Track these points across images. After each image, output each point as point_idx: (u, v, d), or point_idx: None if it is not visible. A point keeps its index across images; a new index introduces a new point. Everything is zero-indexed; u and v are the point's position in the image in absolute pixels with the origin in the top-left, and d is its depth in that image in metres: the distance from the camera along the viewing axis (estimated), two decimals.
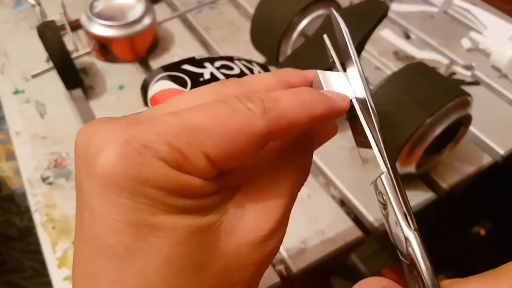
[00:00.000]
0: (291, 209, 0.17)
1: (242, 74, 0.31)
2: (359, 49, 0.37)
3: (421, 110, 0.31)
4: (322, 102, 0.16)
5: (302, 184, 0.18)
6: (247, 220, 0.15)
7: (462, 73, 0.47)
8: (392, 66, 0.48)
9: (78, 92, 0.44)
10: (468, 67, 0.47)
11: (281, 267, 0.31)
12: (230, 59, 0.32)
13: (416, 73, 0.34)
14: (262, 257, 0.16)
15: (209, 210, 0.15)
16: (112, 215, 0.13)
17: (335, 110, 0.17)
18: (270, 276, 0.31)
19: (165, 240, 0.14)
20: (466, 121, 0.35)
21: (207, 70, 0.30)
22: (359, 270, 0.60)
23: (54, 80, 0.45)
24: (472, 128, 0.41)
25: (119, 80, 0.45)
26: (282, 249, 0.32)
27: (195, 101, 0.15)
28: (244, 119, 0.14)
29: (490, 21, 0.54)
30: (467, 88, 0.35)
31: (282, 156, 0.17)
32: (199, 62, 0.31)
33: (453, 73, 0.47)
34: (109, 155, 0.13)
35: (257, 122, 0.15)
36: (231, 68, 0.31)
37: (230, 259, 0.15)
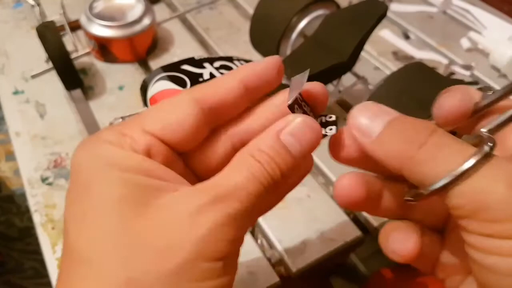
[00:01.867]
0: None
1: None
2: (358, 49, 0.37)
3: (420, 110, 0.31)
4: (247, 69, 0.18)
5: (271, 181, 0.17)
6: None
7: (461, 73, 0.47)
8: (391, 66, 0.48)
9: (77, 92, 0.44)
10: (467, 67, 0.47)
11: (280, 267, 0.32)
12: (230, 59, 0.32)
13: (415, 73, 0.34)
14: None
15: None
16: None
17: (261, 69, 0.18)
18: (269, 276, 0.31)
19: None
20: None
21: (207, 71, 0.30)
22: (359, 270, 0.60)
23: (53, 81, 0.45)
24: None
25: (119, 81, 0.46)
26: (281, 249, 0.32)
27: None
28: (174, 107, 0.17)
29: (489, 21, 0.54)
30: None
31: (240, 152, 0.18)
32: (198, 63, 0.31)
33: (452, 73, 0.47)
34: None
35: (186, 108, 0.17)
36: (230, 68, 0.31)
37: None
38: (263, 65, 0.18)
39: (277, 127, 0.17)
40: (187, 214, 0.15)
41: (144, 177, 0.16)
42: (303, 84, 0.17)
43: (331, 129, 0.18)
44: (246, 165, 0.16)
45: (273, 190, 0.16)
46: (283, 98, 0.19)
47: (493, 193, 0.14)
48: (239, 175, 0.16)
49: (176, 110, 0.17)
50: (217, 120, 0.18)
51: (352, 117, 0.17)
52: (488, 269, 0.15)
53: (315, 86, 0.19)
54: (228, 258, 0.15)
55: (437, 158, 0.15)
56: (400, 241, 0.18)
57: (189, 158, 0.19)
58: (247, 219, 0.16)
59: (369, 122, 0.17)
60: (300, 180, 0.21)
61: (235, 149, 0.18)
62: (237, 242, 0.16)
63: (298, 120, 0.17)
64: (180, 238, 0.15)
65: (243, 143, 0.18)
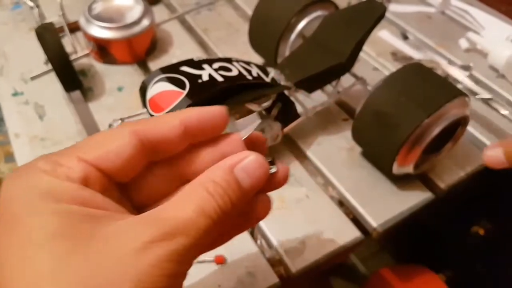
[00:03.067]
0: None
1: (240, 75, 0.31)
2: (357, 50, 0.37)
3: (419, 111, 0.31)
4: (190, 111, 0.19)
5: (222, 215, 0.17)
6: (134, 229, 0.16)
7: (459, 74, 0.47)
8: (390, 67, 0.48)
9: (77, 94, 0.44)
10: (466, 68, 0.48)
11: (280, 267, 0.32)
12: (229, 60, 0.32)
13: (414, 74, 0.34)
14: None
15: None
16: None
17: (205, 115, 0.19)
18: (269, 276, 0.31)
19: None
20: (464, 121, 0.35)
21: (206, 72, 0.30)
22: (358, 270, 0.60)
23: (53, 82, 0.45)
24: (470, 128, 0.41)
25: (118, 82, 0.46)
26: (281, 250, 0.32)
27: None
28: (111, 138, 0.18)
29: (487, 22, 0.54)
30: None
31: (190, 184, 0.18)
32: (197, 64, 0.31)
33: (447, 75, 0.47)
34: None
35: (123, 139, 0.18)
36: (229, 70, 0.31)
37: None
38: (207, 113, 0.19)
39: (230, 161, 0.18)
40: (130, 249, 0.14)
41: (80, 207, 0.15)
42: (251, 126, 0.19)
43: (271, 168, 0.20)
44: (198, 198, 0.16)
45: (221, 225, 0.17)
46: (227, 142, 0.20)
47: None
48: (189, 208, 0.16)
49: (114, 140, 0.17)
50: (156, 154, 0.19)
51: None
52: None
53: (258, 134, 0.21)
54: None
55: None
56: None
57: (128, 189, 0.19)
58: (192, 254, 0.16)
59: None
60: (253, 223, 0.21)
61: (175, 184, 0.19)
62: (179, 277, 0.16)
63: (252, 157, 0.18)
64: (121, 276, 0.14)
65: (184, 179, 0.19)
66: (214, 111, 0.19)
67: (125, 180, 0.18)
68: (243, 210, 0.19)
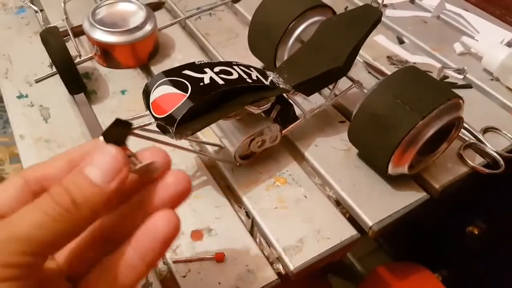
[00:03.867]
0: None
1: (240, 78, 0.32)
2: (354, 54, 0.38)
3: (413, 113, 0.32)
4: (73, 150, 0.20)
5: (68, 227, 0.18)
6: None
7: (455, 77, 0.48)
8: (386, 71, 0.49)
9: (81, 96, 0.45)
10: (460, 71, 0.49)
11: (278, 265, 0.32)
12: (229, 64, 0.33)
13: (408, 77, 0.35)
14: None
15: None
16: None
17: (82, 150, 0.21)
18: (268, 274, 0.31)
19: None
20: (458, 123, 0.36)
21: (207, 75, 0.31)
22: (355, 269, 0.61)
23: (57, 85, 0.46)
24: (464, 129, 0.42)
25: (121, 85, 0.47)
26: (279, 248, 0.33)
27: None
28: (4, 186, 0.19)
29: (482, 26, 0.55)
30: (459, 91, 0.36)
31: None
32: (199, 67, 0.32)
33: (446, 77, 0.48)
34: None
35: (11, 181, 0.19)
36: (230, 73, 0.32)
37: None
38: (88, 147, 0.20)
39: (82, 163, 0.18)
40: None
41: None
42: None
43: (136, 164, 0.20)
44: (40, 206, 0.17)
45: (66, 219, 0.17)
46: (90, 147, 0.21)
47: None
48: (27, 219, 0.17)
49: (4, 185, 0.19)
50: (43, 189, 0.19)
51: None
52: None
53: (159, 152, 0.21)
54: None
55: None
56: None
57: None
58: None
59: None
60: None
61: None
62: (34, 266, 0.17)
63: (101, 150, 0.18)
64: None
65: None
66: (94, 146, 0.20)
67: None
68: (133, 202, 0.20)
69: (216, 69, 0.32)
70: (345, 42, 0.38)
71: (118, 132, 0.20)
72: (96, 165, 0.18)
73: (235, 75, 0.32)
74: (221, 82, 0.31)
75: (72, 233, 0.18)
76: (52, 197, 0.17)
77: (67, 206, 0.17)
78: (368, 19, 0.38)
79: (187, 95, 0.29)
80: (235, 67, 0.33)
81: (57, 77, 0.45)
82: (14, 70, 0.48)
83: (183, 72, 0.31)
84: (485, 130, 0.42)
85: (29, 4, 0.57)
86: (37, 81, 0.47)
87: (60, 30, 0.44)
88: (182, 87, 0.30)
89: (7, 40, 0.52)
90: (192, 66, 0.32)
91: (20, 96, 0.45)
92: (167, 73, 0.31)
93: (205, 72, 0.31)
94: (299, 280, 0.32)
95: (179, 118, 0.28)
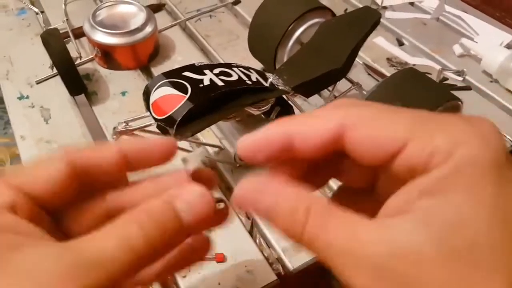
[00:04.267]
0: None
1: (240, 80, 0.32)
2: (353, 56, 0.39)
3: None
4: (132, 142, 0.18)
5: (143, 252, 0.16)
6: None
7: (454, 78, 0.49)
8: (385, 72, 0.49)
9: (81, 97, 0.45)
10: (460, 73, 0.49)
11: (278, 266, 0.33)
12: (229, 66, 0.33)
13: (407, 79, 0.36)
14: None
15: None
16: None
17: (146, 146, 0.19)
18: (267, 274, 0.32)
19: None
20: None
21: (207, 77, 0.31)
22: None
23: (58, 86, 0.46)
24: None
25: (122, 86, 0.47)
26: (279, 249, 0.33)
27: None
28: (45, 163, 0.17)
29: (481, 28, 0.55)
30: (459, 93, 0.36)
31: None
32: (199, 69, 0.32)
33: (445, 78, 0.48)
34: None
35: (55, 163, 0.17)
36: (229, 75, 0.32)
37: None
38: (151, 145, 0.19)
39: (171, 192, 0.17)
40: (43, 279, 0.14)
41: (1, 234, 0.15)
42: (198, 159, 0.19)
43: (220, 205, 0.19)
44: (124, 229, 0.15)
45: (151, 258, 0.16)
46: (170, 176, 0.19)
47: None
48: (111, 241, 0.15)
49: (46, 165, 0.17)
50: (89, 181, 0.18)
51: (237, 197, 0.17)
52: None
53: (207, 171, 0.19)
54: None
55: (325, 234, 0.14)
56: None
57: (62, 217, 0.18)
58: (111, 285, 0.15)
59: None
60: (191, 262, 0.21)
61: (109, 214, 0.18)
62: None
63: (196, 189, 0.17)
64: None
65: (119, 210, 0.18)
66: (162, 143, 0.19)
67: (55, 207, 0.18)
68: (186, 247, 0.20)
69: (216, 70, 0.32)
70: (344, 44, 0.38)
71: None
72: (190, 206, 0.17)
73: (234, 77, 0.32)
74: (220, 83, 0.31)
75: (146, 263, 0.16)
76: (145, 230, 0.16)
77: (161, 245, 0.16)
78: (367, 21, 0.38)
79: (187, 96, 0.29)
80: (235, 68, 0.33)
81: (58, 78, 0.45)
82: (15, 72, 0.49)
83: (183, 73, 0.31)
84: None
85: (30, 6, 0.58)
86: (38, 82, 0.47)
87: (61, 31, 0.44)
88: (182, 89, 0.30)
89: (8, 42, 0.52)
90: (192, 67, 0.32)
91: (21, 97, 0.46)
92: (167, 74, 0.31)
93: (205, 74, 0.31)
94: (300, 281, 0.33)
95: (179, 119, 0.29)
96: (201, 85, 0.30)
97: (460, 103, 0.35)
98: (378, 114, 0.15)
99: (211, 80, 0.31)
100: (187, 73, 0.31)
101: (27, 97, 0.46)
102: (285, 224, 0.15)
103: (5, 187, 0.16)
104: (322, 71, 0.37)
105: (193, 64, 0.33)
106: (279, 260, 0.33)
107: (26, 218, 0.16)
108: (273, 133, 0.16)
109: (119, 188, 0.19)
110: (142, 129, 0.30)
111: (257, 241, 0.34)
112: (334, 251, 0.14)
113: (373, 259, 0.13)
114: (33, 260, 0.14)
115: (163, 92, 0.30)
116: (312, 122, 0.16)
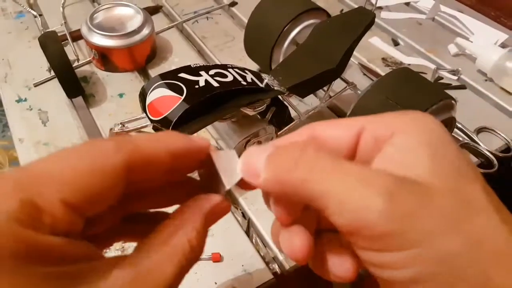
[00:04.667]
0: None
1: (235, 81, 0.32)
2: (347, 56, 0.39)
3: None
4: (178, 138, 0.17)
5: (193, 264, 0.17)
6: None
7: (449, 78, 0.49)
8: (381, 72, 0.49)
9: (79, 100, 0.46)
10: (455, 72, 0.49)
11: (274, 265, 0.33)
12: (224, 67, 0.34)
13: (401, 78, 0.36)
14: None
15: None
16: None
17: (193, 147, 0.18)
18: (263, 274, 0.32)
19: None
20: (450, 123, 0.36)
21: (202, 78, 0.31)
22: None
23: (55, 89, 0.46)
24: (458, 130, 0.42)
25: (119, 88, 0.47)
26: (275, 248, 0.33)
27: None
28: (94, 157, 0.14)
29: (476, 27, 0.55)
30: (453, 92, 0.36)
31: (172, 230, 0.17)
32: (194, 70, 0.32)
33: (440, 78, 0.49)
34: None
35: (110, 157, 0.14)
36: (225, 76, 0.32)
37: None
38: (194, 142, 0.18)
39: (207, 205, 0.17)
40: None
41: (58, 267, 0.13)
42: (235, 163, 0.18)
43: None
44: (180, 252, 0.16)
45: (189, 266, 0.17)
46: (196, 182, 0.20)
47: (371, 210, 0.14)
48: (170, 266, 0.15)
49: (98, 161, 0.15)
50: (137, 179, 0.16)
51: (241, 165, 0.18)
52: (387, 282, 0.15)
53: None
54: None
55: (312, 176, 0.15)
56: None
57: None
58: None
59: (253, 164, 0.17)
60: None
61: (122, 213, 0.18)
62: None
63: (224, 205, 0.18)
64: None
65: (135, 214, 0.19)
66: (201, 143, 0.18)
67: (96, 211, 0.15)
68: None
69: (211, 71, 0.32)
70: (339, 45, 0.38)
71: None
72: (215, 218, 0.18)
73: (230, 78, 0.32)
74: (216, 84, 0.31)
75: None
76: (195, 252, 0.16)
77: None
78: (362, 22, 0.39)
79: (182, 97, 0.30)
80: (230, 69, 0.33)
81: (56, 81, 0.45)
82: (13, 74, 0.49)
83: (179, 75, 0.32)
84: (479, 130, 0.42)
85: (28, 9, 0.58)
86: (36, 85, 0.47)
87: (59, 34, 0.45)
88: (177, 90, 0.30)
89: (6, 45, 0.53)
90: (188, 69, 0.32)
91: (19, 100, 0.46)
92: (163, 76, 0.32)
93: (201, 75, 0.32)
94: (298, 281, 0.33)
95: (174, 120, 0.29)
96: (197, 86, 0.31)
97: (453, 102, 0.35)
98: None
99: (206, 81, 0.31)
100: (183, 75, 0.32)
101: (25, 99, 0.46)
102: (279, 169, 0.16)
103: (61, 208, 0.13)
104: (317, 72, 0.37)
105: (189, 66, 0.33)
106: (276, 259, 0.33)
107: (65, 232, 0.14)
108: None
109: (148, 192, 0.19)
110: (138, 130, 0.30)
111: (254, 240, 0.34)
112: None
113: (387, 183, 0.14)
114: None
115: (159, 93, 0.31)
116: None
